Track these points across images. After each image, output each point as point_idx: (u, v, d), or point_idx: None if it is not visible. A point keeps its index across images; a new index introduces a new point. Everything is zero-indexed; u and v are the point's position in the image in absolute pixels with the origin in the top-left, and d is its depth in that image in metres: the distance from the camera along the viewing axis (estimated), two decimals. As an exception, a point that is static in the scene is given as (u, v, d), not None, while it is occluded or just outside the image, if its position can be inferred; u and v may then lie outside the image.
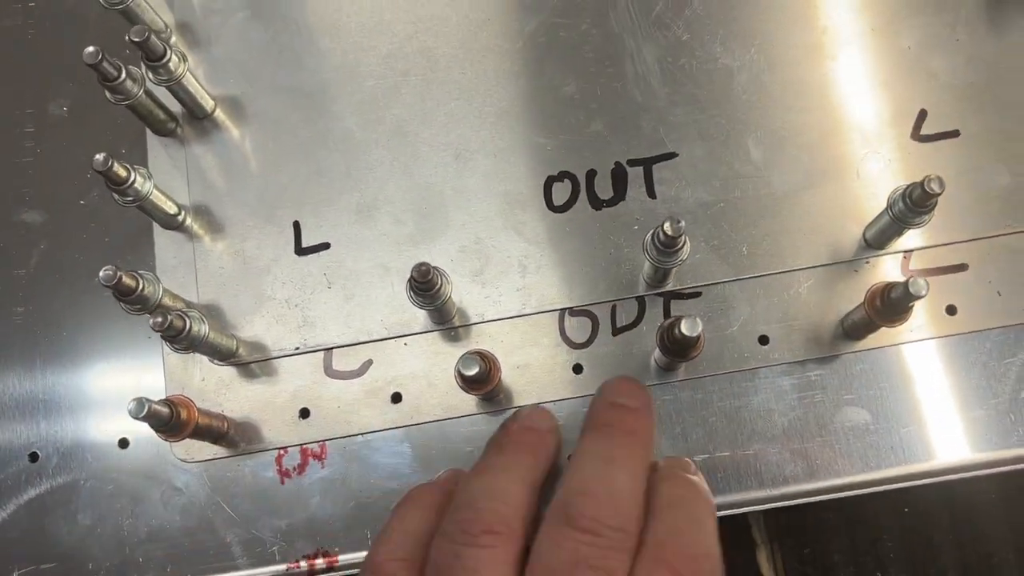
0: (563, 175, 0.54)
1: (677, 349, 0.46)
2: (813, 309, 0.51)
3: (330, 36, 0.57)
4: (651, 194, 0.53)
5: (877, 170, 0.53)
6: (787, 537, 0.58)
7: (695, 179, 0.53)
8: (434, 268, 0.45)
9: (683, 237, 0.45)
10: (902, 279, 0.44)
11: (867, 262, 0.52)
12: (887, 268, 0.52)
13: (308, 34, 0.57)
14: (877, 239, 0.51)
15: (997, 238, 0.52)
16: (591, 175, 0.54)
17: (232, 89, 0.56)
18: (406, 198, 0.54)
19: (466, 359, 0.44)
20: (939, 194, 0.44)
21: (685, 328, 0.43)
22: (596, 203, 0.54)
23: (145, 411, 0.43)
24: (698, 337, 0.44)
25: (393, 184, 0.54)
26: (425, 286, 0.45)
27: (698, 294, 0.52)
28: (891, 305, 0.45)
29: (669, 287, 0.52)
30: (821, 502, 0.53)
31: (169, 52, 0.50)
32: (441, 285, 0.46)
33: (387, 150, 0.55)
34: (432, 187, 0.54)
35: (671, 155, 0.54)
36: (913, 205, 0.46)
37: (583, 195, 0.54)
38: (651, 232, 0.46)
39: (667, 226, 0.44)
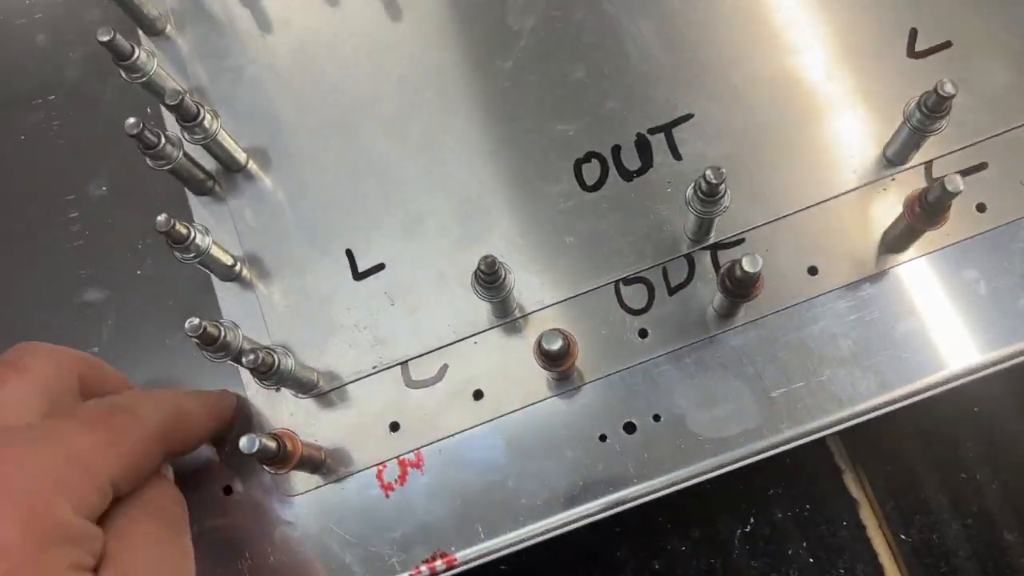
0: (590, 155, 0.56)
1: (740, 289, 0.48)
2: (852, 233, 0.54)
3: (341, 70, 0.59)
4: (676, 156, 0.56)
5: (881, 92, 0.56)
6: (868, 459, 0.60)
7: (715, 134, 0.56)
8: (498, 259, 0.47)
9: (724, 184, 0.47)
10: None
11: (893, 179, 0.54)
12: (913, 180, 0.54)
13: (320, 72, 0.59)
14: (898, 154, 0.53)
15: (1009, 133, 0.54)
16: (616, 150, 0.56)
17: (260, 139, 0.59)
18: (446, 206, 0.56)
19: (548, 334, 0.46)
20: (953, 95, 0.46)
21: (747, 265, 0.45)
22: (626, 175, 0.56)
23: (257, 446, 0.44)
24: (759, 273, 0.46)
25: (431, 196, 0.56)
26: (492, 278, 0.47)
27: (741, 240, 0.54)
28: (931, 207, 0.47)
29: (712, 240, 0.54)
30: (895, 420, 0.55)
31: (202, 111, 0.52)
32: (505, 276, 0.48)
33: (418, 165, 0.57)
34: (468, 191, 0.56)
35: (688, 116, 0.56)
36: (930, 112, 0.48)
37: (612, 170, 0.56)
38: (692, 185, 0.48)
39: (709, 174, 0.46)
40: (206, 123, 0.53)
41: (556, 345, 0.46)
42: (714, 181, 0.46)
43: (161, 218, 0.48)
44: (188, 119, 0.52)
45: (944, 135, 0.53)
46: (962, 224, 0.53)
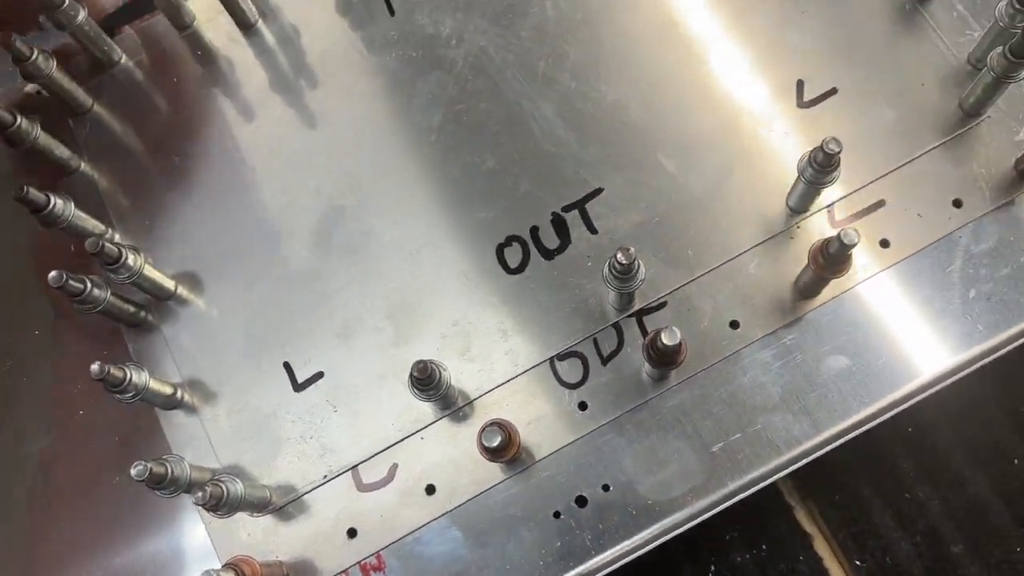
0: (510, 239, 0.58)
1: (664, 359, 0.49)
2: (767, 283, 0.56)
3: (260, 184, 0.61)
4: (592, 230, 0.58)
5: (778, 145, 0.58)
6: (816, 491, 0.62)
7: (625, 205, 0.58)
8: (430, 363, 0.48)
9: (636, 261, 0.49)
10: (833, 232, 0.49)
11: (798, 227, 0.57)
12: (817, 226, 0.57)
13: (239, 189, 0.61)
14: (799, 205, 0.56)
15: (901, 168, 0.57)
16: (535, 231, 0.58)
17: (186, 264, 0.60)
18: (377, 307, 0.58)
19: (488, 432, 0.47)
20: (839, 152, 0.49)
21: (666, 339, 0.47)
22: (547, 254, 0.58)
23: (214, 583, 0.45)
24: (680, 343, 0.48)
25: (361, 299, 0.58)
26: (426, 381, 0.49)
27: (664, 304, 0.56)
28: (832, 259, 0.50)
29: (636, 306, 0.56)
30: (835, 449, 0.56)
31: (123, 252, 0.53)
32: (440, 375, 0.50)
33: (345, 270, 0.58)
34: (397, 290, 0.58)
35: (598, 191, 0.58)
36: (820, 167, 0.51)
37: (533, 251, 0.58)
38: (607, 264, 0.50)
39: (620, 256, 0.48)
40: (130, 262, 0.53)
41: (496, 442, 0.47)
42: (625, 262, 0.48)
43: (95, 367, 0.48)
44: (111, 262, 0.53)
45: (841, 178, 0.56)
46: (869, 261, 0.56)
